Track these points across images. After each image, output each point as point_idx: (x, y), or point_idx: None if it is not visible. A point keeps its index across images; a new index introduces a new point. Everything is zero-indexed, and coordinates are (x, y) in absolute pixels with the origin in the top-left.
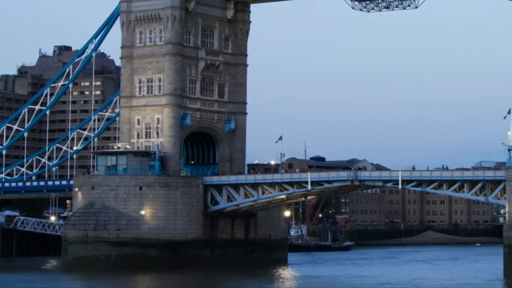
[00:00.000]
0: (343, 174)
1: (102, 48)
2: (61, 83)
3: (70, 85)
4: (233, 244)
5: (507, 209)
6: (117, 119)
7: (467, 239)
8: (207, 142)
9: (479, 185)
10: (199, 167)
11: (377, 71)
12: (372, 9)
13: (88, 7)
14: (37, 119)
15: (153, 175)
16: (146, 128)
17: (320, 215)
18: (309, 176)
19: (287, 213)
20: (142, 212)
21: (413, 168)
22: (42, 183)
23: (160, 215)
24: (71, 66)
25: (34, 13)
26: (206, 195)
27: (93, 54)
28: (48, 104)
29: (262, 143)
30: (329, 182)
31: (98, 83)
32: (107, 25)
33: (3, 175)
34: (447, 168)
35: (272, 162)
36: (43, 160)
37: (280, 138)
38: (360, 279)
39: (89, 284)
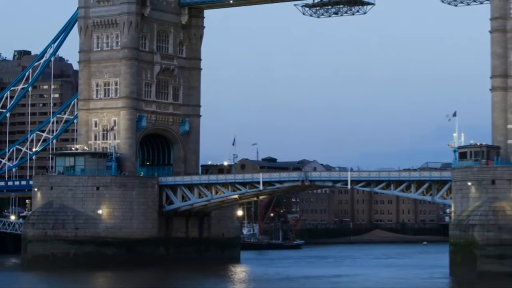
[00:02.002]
0: (294, 175)
1: (60, 53)
2: (20, 86)
3: (30, 89)
4: (188, 243)
5: (452, 209)
6: (75, 121)
7: (414, 238)
8: (162, 144)
9: (426, 185)
10: (155, 168)
11: (327, 74)
12: (322, 14)
13: (47, 13)
14: None
15: (110, 175)
16: (103, 130)
17: (272, 215)
18: (261, 176)
19: (240, 213)
20: (99, 212)
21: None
22: (2, 183)
23: (117, 215)
24: (30, 70)
25: None
26: (161, 195)
27: (52, 59)
28: (8, 106)
29: (215, 144)
30: (280, 182)
31: (57, 86)
32: (66, 30)
33: None
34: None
35: (225, 163)
36: (3, 161)
37: (234, 141)
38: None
39: (47, 281)
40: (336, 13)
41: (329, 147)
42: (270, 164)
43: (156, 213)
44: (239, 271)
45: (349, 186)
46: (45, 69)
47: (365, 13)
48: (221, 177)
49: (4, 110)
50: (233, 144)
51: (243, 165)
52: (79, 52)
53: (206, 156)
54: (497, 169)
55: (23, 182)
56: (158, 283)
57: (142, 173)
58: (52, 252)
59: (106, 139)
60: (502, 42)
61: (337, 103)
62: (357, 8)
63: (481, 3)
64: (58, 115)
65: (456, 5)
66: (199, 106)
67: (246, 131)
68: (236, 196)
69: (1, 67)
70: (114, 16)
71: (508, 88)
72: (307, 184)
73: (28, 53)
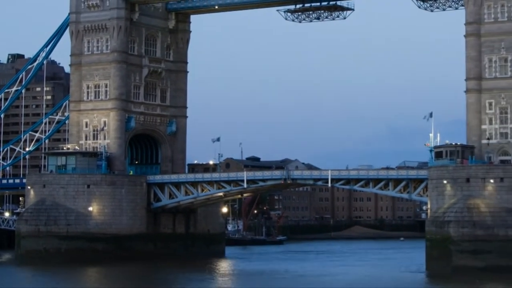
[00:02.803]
0: (277, 173)
1: (52, 56)
2: (14, 88)
3: (23, 91)
4: (175, 238)
5: (429, 206)
6: (66, 122)
7: (392, 234)
8: (150, 144)
9: (403, 183)
10: (143, 166)
11: (308, 77)
12: (304, 19)
13: (40, 18)
14: None
15: (100, 174)
16: (94, 131)
17: (255, 211)
18: (245, 175)
19: (225, 209)
20: (90, 209)
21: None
22: None
23: (107, 211)
24: (23, 73)
25: None
26: (149, 193)
27: (44, 62)
28: (2, 108)
29: (201, 144)
30: (263, 180)
31: (49, 88)
32: (58, 34)
33: None
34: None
35: (211, 162)
36: None
37: (218, 139)
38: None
39: (40, 275)
40: (317, 18)
41: (311, 146)
42: (253, 163)
43: (145, 210)
44: (224, 266)
45: (329, 184)
46: (38, 72)
47: (344, 18)
48: (207, 176)
49: None
50: (218, 141)
51: (228, 164)
52: (71, 55)
53: (192, 155)
54: (471, 167)
55: (17, 180)
56: (147, 277)
57: (131, 171)
58: (45, 248)
59: (97, 139)
60: (477, 46)
61: (319, 104)
62: (337, 13)
63: (456, 8)
64: (50, 116)
65: (432, 11)
66: (186, 107)
67: (230, 131)
68: (221, 194)
69: None
70: (104, 21)
71: (482, 90)
72: (289, 182)
73: (22, 56)
